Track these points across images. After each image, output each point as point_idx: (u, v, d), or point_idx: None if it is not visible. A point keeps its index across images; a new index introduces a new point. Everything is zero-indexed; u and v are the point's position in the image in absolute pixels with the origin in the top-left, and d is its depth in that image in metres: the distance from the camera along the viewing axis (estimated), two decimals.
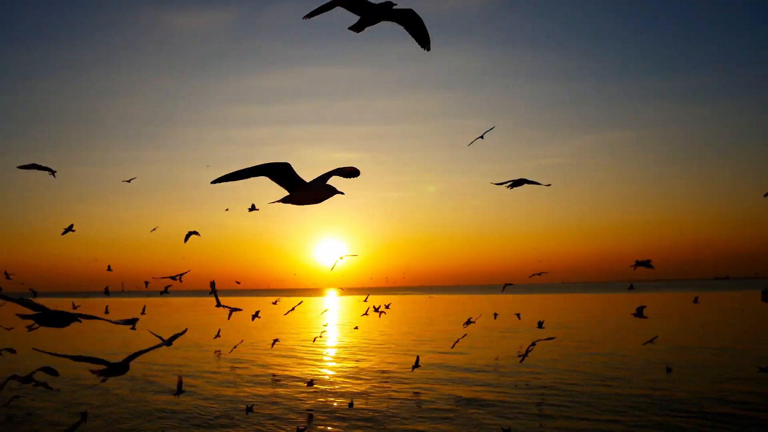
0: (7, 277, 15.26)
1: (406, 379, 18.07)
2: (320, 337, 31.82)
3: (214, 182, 3.17)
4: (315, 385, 16.93)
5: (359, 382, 18.00)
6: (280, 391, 16.68)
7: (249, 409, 13.30)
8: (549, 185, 6.50)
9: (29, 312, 3.76)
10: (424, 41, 3.77)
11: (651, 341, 16.67)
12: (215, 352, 25.44)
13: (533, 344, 13.74)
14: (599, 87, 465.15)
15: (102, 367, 4.11)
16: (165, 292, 13.83)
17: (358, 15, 3.65)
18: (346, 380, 18.41)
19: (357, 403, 14.59)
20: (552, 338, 14.77)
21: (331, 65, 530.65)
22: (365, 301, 29.16)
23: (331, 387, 17.29)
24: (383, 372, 19.72)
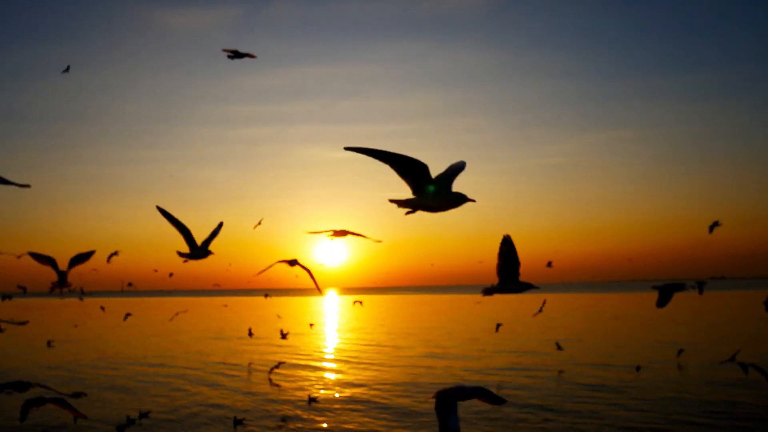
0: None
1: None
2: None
3: (346, 149, 3.28)
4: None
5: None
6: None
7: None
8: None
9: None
10: None
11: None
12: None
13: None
14: (601, 86, 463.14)
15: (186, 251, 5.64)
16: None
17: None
18: None
19: None
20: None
21: (331, 65, 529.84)
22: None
23: None
24: None
